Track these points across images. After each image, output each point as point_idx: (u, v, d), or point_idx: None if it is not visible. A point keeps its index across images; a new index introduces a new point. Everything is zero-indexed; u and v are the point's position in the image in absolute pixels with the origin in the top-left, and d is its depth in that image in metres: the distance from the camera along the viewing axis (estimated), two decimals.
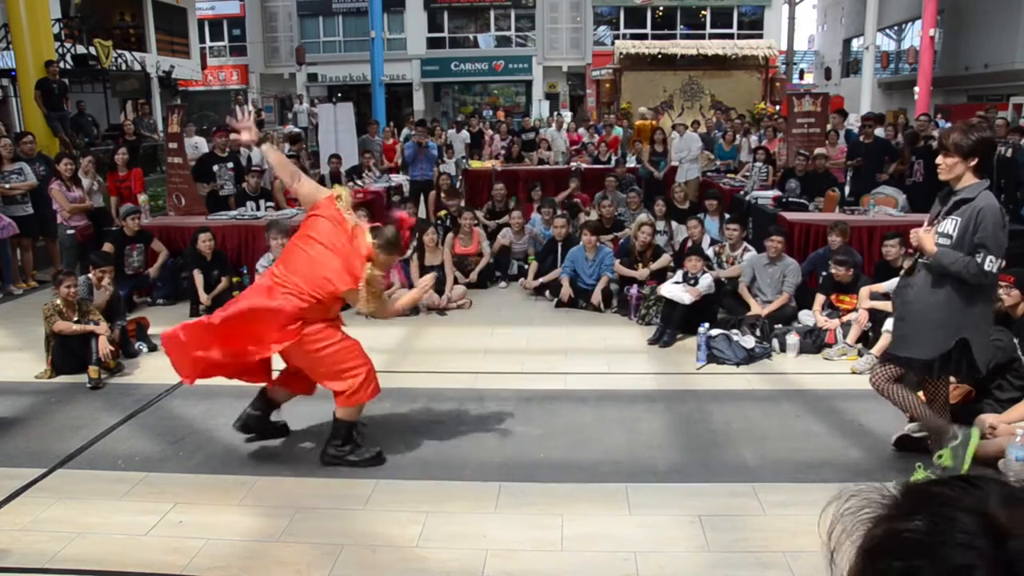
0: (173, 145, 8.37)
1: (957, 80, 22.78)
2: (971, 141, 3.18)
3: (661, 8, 27.64)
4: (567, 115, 18.35)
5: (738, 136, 12.35)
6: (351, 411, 3.88)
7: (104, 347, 5.15)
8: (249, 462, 3.97)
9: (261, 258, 6.66)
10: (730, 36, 25.87)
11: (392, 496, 3.57)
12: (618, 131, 13.99)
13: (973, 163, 3.20)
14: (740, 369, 5.29)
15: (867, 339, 5.50)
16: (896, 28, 27.61)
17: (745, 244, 6.92)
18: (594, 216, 8.76)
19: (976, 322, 3.35)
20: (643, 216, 7.63)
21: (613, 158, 12.07)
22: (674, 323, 5.91)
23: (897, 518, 0.64)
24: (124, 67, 16.10)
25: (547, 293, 7.27)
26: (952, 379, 3.81)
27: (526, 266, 7.81)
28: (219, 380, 4.29)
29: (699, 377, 5.22)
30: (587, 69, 26.53)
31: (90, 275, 5.70)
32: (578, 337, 6.11)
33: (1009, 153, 8.26)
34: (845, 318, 5.69)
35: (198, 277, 6.73)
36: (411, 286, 6.88)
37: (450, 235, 7.79)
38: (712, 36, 25.68)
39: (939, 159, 3.31)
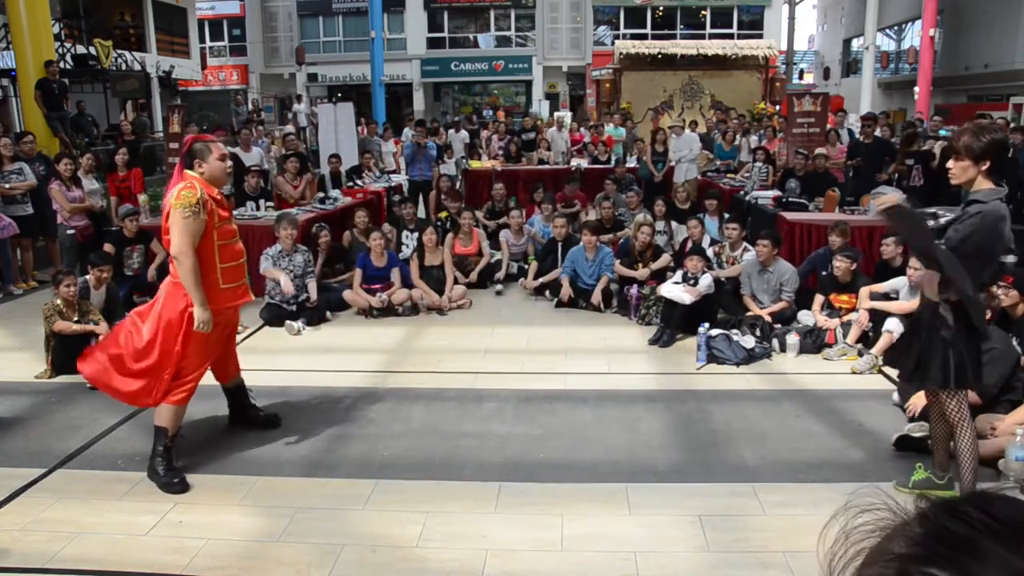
0: (173, 145, 8.38)
1: (957, 80, 22.78)
2: (983, 144, 3.12)
3: (661, 8, 27.63)
4: (567, 115, 18.33)
5: (738, 136, 12.35)
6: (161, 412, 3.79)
7: None
8: (249, 462, 3.96)
9: (267, 249, 6.66)
10: (730, 36, 25.86)
11: (392, 496, 3.57)
12: (620, 131, 13.95)
13: (985, 167, 3.15)
14: (740, 369, 5.29)
15: (867, 339, 5.50)
16: (896, 28, 27.62)
17: (745, 244, 6.91)
18: (593, 216, 8.76)
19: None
20: (642, 216, 7.63)
21: (614, 158, 12.07)
22: (674, 323, 5.91)
23: (913, 560, 0.55)
24: (124, 67, 16.10)
25: (547, 293, 7.26)
26: None
27: (526, 266, 7.81)
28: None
29: (699, 377, 5.22)
30: (587, 69, 26.51)
31: (88, 276, 5.70)
32: (578, 337, 6.11)
33: (1009, 153, 8.26)
34: (845, 318, 5.70)
35: None
36: (411, 286, 6.90)
37: (450, 235, 7.80)
38: (712, 36, 25.67)
39: (950, 163, 3.23)
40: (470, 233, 7.76)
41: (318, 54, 27.35)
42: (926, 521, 0.57)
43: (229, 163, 3.99)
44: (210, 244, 3.67)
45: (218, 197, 3.77)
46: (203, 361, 3.79)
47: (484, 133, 14.68)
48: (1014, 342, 4.31)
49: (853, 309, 5.73)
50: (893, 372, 4.63)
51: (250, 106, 23.10)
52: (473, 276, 7.54)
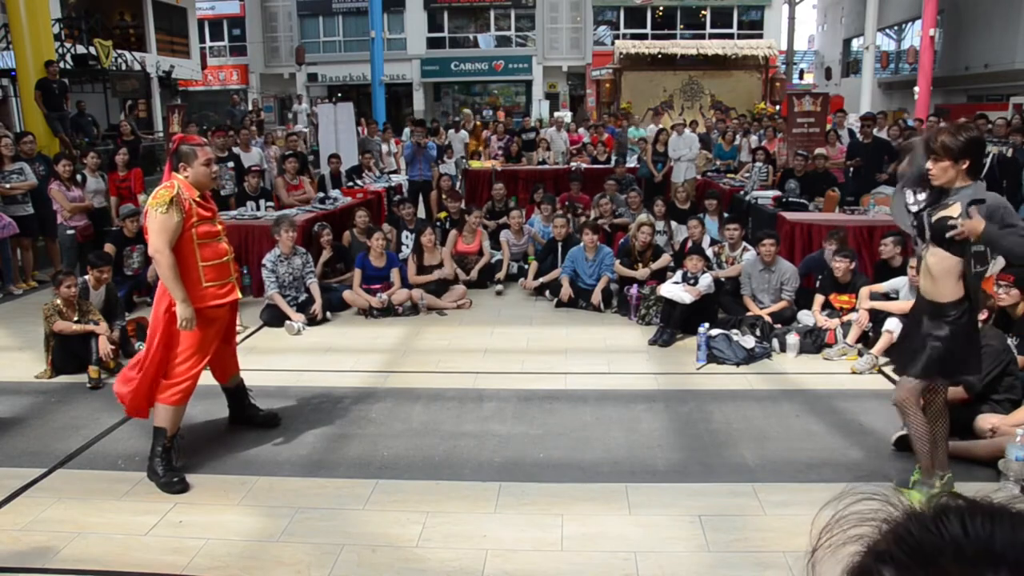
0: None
1: (957, 80, 22.77)
2: (960, 142, 3.12)
3: (661, 8, 27.64)
4: (567, 115, 18.33)
5: (738, 136, 12.35)
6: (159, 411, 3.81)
7: (104, 347, 5.16)
8: (249, 462, 3.97)
9: (267, 255, 6.63)
10: (730, 36, 25.89)
11: (392, 496, 3.57)
12: (641, 132, 13.90)
13: (964, 165, 3.16)
14: (740, 369, 5.29)
15: (867, 339, 5.50)
16: (896, 28, 27.61)
17: (744, 244, 6.91)
18: (593, 216, 8.76)
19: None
20: (643, 216, 7.63)
21: (614, 158, 12.07)
22: (674, 323, 5.91)
23: (876, 556, 0.55)
24: (124, 67, 16.09)
25: (547, 293, 7.26)
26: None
27: (526, 266, 7.81)
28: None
29: (699, 377, 5.22)
30: (587, 69, 26.53)
31: (86, 276, 5.69)
32: (578, 337, 6.11)
33: (1009, 153, 8.25)
34: (845, 318, 5.70)
35: None
36: (411, 286, 6.90)
37: (452, 233, 7.80)
38: (712, 36, 25.70)
39: (929, 164, 3.22)
40: (474, 231, 7.76)
41: (318, 54, 27.35)
42: (903, 522, 0.57)
43: (215, 168, 4.01)
44: (189, 242, 3.70)
45: (198, 199, 3.77)
46: (198, 360, 3.78)
47: (484, 133, 14.68)
48: (1011, 342, 4.31)
49: (853, 309, 5.73)
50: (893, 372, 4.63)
51: (250, 106, 23.11)
52: (473, 274, 7.55)
